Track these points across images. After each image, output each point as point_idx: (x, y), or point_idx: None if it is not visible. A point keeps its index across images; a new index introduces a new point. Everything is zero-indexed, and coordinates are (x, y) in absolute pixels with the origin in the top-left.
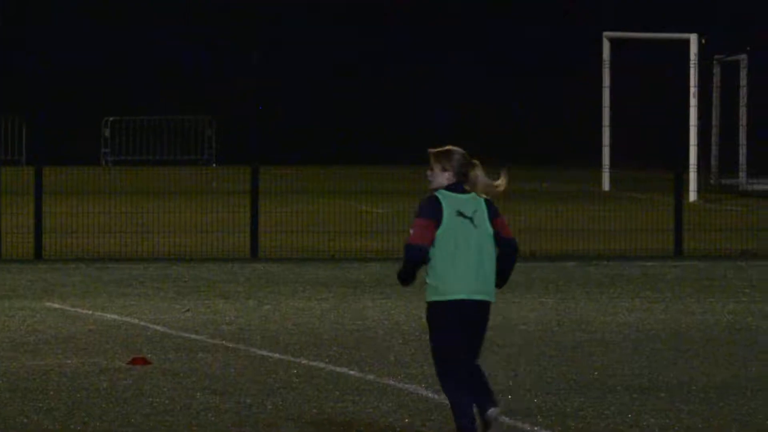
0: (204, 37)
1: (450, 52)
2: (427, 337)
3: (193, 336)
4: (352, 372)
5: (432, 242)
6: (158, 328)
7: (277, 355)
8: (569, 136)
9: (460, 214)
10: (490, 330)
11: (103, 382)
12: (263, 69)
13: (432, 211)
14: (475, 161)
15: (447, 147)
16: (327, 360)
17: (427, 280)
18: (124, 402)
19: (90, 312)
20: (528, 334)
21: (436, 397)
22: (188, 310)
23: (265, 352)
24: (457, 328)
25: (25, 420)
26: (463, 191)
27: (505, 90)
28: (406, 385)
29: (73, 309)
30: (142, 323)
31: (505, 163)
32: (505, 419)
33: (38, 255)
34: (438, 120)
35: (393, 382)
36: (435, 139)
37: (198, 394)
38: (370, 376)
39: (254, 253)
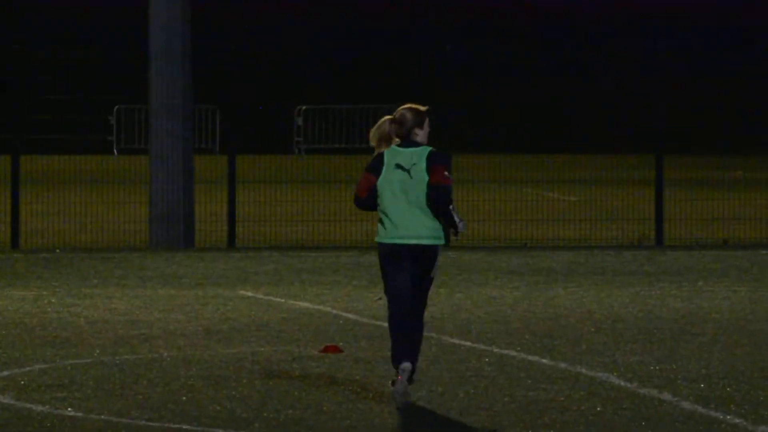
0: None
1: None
2: (620, 325)
3: (386, 324)
4: (544, 360)
5: (368, 192)
6: (350, 316)
7: (468, 344)
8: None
9: (399, 166)
10: (683, 318)
11: (295, 370)
12: (456, 60)
13: (373, 166)
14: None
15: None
16: (519, 348)
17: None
18: (317, 390)
19: (283, 300)
20: (721, 323)
21: (629, 385)
22: (380, 299)
23: (456, 341)
24: (393, 270)
25: (219, 408)
26: (409, 145)
27: (703, 77)
28: (598, 374)
29: (265, 297)
30: (335, 311)
31: (701, 152)
32: (405, 385)
33: (231, 243)
34: (634, 109)
35: (585, 371)
36: (638, 128)
37: (390, 382)
38: (562, 365)
39: (446, 241)
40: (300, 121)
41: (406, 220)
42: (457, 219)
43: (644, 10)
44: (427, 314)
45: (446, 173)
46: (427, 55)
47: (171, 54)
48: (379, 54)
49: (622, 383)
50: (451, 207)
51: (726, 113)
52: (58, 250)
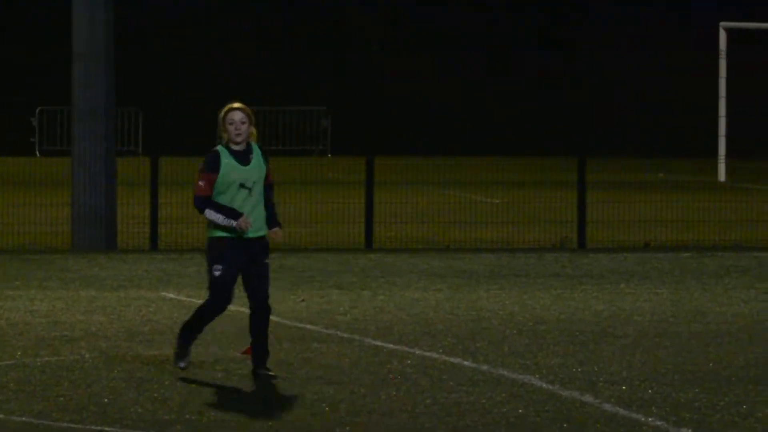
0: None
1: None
2: (542, 327)
3: (308, 326)
4: (466, 362)
5: None
6: (273, 318)
7: (391, 346)
8: (685, 127)
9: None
10: (605, 321)
11: (218, 372)
12: (381, 62)
13: None
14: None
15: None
16: (441, 350)
17: None
18: (238, 392)
19: None
20: (642, 325)
21: (550, 387)
22: (303, 301)
23: (379, 343)
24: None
25: (141, 410)
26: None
27: (633, 81)
28: (520, 376)
29: (188, 299)
30: None
31: (622, 154)
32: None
33: (154, 245)
34: (559, 109)
35: (507, 373)
36: (547, 130)
37: (312, 384)
38: (485, 367)
39: (369, 244)
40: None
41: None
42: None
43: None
44: (349, 317)
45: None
46: (347, 55)
47: (94, 55)
48: (302, 56)
49: (544, 385)
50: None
51: (647, 115)
52: None
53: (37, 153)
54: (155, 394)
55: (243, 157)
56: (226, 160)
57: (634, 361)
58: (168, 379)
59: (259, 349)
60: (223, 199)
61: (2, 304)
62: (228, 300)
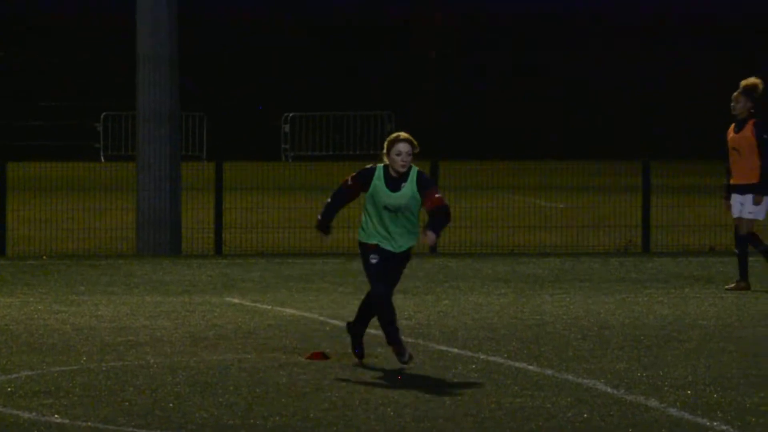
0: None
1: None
2: (606, 332)
3: (372, 331)
4: (530, 367)
5: None
6: (337, 323)
7: (455, 350)
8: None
9: None
10: (670, 325)
11: (282, 377)
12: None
13: None
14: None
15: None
16: (505, 355)
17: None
18: (303, 397)
19: (269, 307)
20: (707, 329)
21: (615, 392)
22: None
23: (443, 347)
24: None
25: (205, 415)
26: None
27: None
28: (585, 380)
29: (252, 304)
30: (321, 318)
31: (688, 158)
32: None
33: (218, 250)
34: (601, 114)
35: (571, 377)
36: (613, 134)
37: (377, 388)
38: (549, 371)
39: (433, 249)
40: (287, 128)
41: None
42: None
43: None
44: (413, 321)
45: None
46: (407, 61)
47: (158, 60)
48: (367, 60)
49: (609, 390)
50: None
51: (709, 118)
52: (44, 257)
53: (102, 158)
54: (220, 399)
55: (395, 184)
56: (378, 182)
57: (699, 365)
58: (232, 384)
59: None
60: (373, 213)
61: (67, 309)
62: (387, 284)
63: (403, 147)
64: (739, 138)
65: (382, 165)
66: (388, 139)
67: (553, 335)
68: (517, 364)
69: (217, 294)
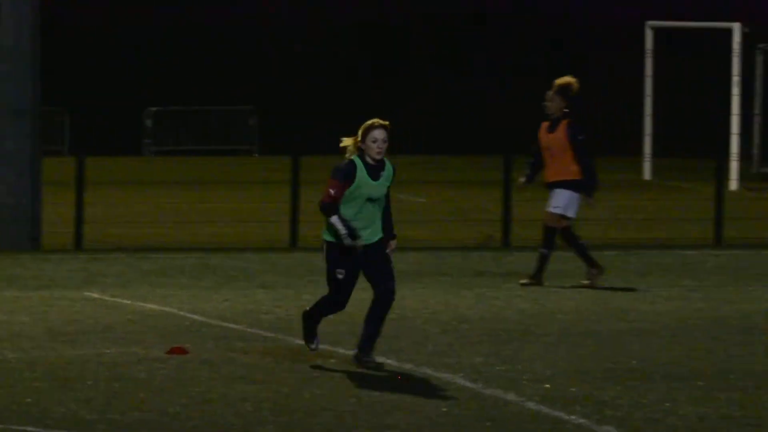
0: (248, 26)
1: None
2: (465, 326)
3: (232, 326)
4: (390, 361)
5: None
6: (197, 317)
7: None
8: (610, 125)
9: None
10: (529, 319)
11: (141, 372)
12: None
13: None
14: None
15: None
16: None
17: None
18: (162, 392)
19: (129, 302)
20: (566, 323)
21: (473, 386)
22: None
23: (303, 342)
24: None
25: (63, 410)
26: None
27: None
28: (444, 374)
29: (112, 299)
30: (181, 313)
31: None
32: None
33: (78, 245)
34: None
35: (430, 371)
36: (478, 129)
37: (236, 383)
38: (408, 365)
39: (293, 243)
40: (149, 122)
41: None
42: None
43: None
44: (273, 316)
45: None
46: (278, 56)
47: (20, 55)
48: (233, 55)
49: (468, 384)
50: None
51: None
52: None
53: None
54: (78, 394)
55: (375, 173)
56: (361, 173)
57: (557, 359)
58: (91, 379)
59: (371, 337)
60: (350, 209)
61: None
62: (346, 300)
63: (378, 134)
64: (551, 138)
65: (356, 157)
66: (363, 126)
67: (413, 330)
68: (376, 359)
69: (77, 289)
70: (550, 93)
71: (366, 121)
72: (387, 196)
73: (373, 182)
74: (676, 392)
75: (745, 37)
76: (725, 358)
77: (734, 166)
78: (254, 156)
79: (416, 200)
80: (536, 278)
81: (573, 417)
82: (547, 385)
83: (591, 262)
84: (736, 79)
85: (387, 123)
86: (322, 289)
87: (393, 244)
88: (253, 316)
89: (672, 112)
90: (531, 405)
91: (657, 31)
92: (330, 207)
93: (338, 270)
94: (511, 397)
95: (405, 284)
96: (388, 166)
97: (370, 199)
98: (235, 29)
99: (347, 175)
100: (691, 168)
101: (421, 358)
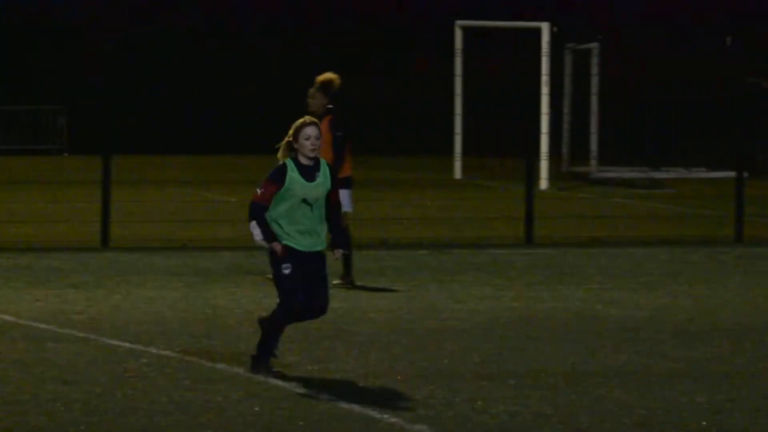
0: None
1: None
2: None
3: (43, 326)
4: (202, 361)
5: None
6: (7, 317)
7: (127, 345)
8: (422, 124)
9: None
10: (341, 318)
11: None
12: (118, 60)
13: None
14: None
15: None
16: (178, 349)
17: None
18: None
19: None
20: (378, 322)
21: (286, 385)
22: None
23: (115, 342)
24: None
25: None
26: None
27: (360, 78)
28: (256, 375)
29: None
30: None
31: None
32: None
33: None
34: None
35: (243, 371)
36: (283, 129)
37: (47, 383)
38: (221, 365)
39: (105, 243)
40: None
41: None
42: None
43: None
44: (85, 316)
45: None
46: (88, 55)
47: None
48: (42, 55)
49: (280, 384)
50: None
51: (394, 114)
52: None
53: None
54: None
55: (309, 173)
56: (292, 174)
57: (370, 358)
58: None
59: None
60: (283, 209)
61: None
62: (300, 298)
63: (311, 131)
64: None
65: (289, 159)
66: (294, 125)
67: (225, 329)
68: (188, 358)
69: None
70: (312, 90)
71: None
72: (330, 200)
73: (308, 183)
74: (488, 391)
75: (554, 37)
76: (537, 356)
77: (544, 165)
78: (64, 155)
79: (227, 200)
80: (347, 278)
81: (386, 416)
82: (360, 385)
83: (349, 270)
84: (545, 78)
85: (316, 120)
86: (134, 288)
87: (340, 253)
88: (65, 316)
89: (482, 111)
90: (343, 404)
91: (466, 30)
92: (255, 207)
93: (284, 265)
94: (323, 396)
95: (217, 283)
96: (324, 166)
97: (305, 202)
98: (40, 29)
99: (277, 175)
100: (500, 167)
101: (234, 357)
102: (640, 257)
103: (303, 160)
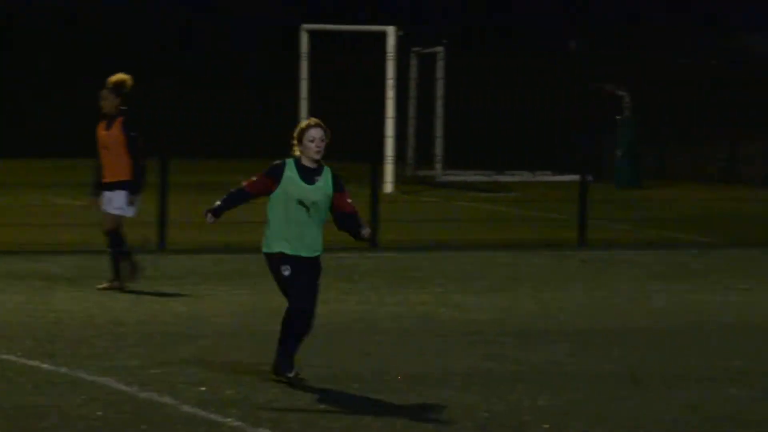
0: None
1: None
2: (121, 329)
3: None
4: (44, 365)
5: None
6: None
7: None
8: (263, 128)
9: None
10: (185, 322)
11: None
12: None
13: None
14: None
15: None
16: (19, 353)
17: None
18: None
19: None
20: (222, 326)
21: (129, 389)
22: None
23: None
24: None
25: None
26: None
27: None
28: (99, 378)
29: None
30: None
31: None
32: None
33: None
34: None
35: (85, 375)
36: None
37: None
38: (63, 369)
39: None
40: None
41: None
42: None
43: None
44: None
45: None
46: None
47: None
48: None
49: (123, 387)
50: None
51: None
52: None
53: None
54: None
55: (309, 176)
56: (290, 174)
57: (214, 362)
58: None
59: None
60: (278, 210)
61: None
62: (307, 305)
63: (316, 132)
64: (108, 135)
65: (291, 159)
66: (299, 127)
67: (68, 333)
68: (30, 362)
69: None
70: (104, 91)
71: None
72: (346, 210)
73: (306, 185)
74: (332, 395)
75: (400, 41)
76: (380, 360)
77: (389, 168)
78: None
79: (73, 203)
80: (117, 281)
81: (229, 419)
82: (203, 388)
83: (117, 274)
84: (390, 82)
85: (321, 123)
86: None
87: (366, 231)
88: None
89: (328, 115)
90: (187, 408)
91: (312, 33)
92: (235, 189)
93: (283, 267)
94: (166, 400)
95: (60, 287)
96: (328, 172)
97: (301, 204)
98: None
99: (273, 171)
100: (345, 171)
101: (77, 361)
102: (484, 261)
103: (306, 162)
